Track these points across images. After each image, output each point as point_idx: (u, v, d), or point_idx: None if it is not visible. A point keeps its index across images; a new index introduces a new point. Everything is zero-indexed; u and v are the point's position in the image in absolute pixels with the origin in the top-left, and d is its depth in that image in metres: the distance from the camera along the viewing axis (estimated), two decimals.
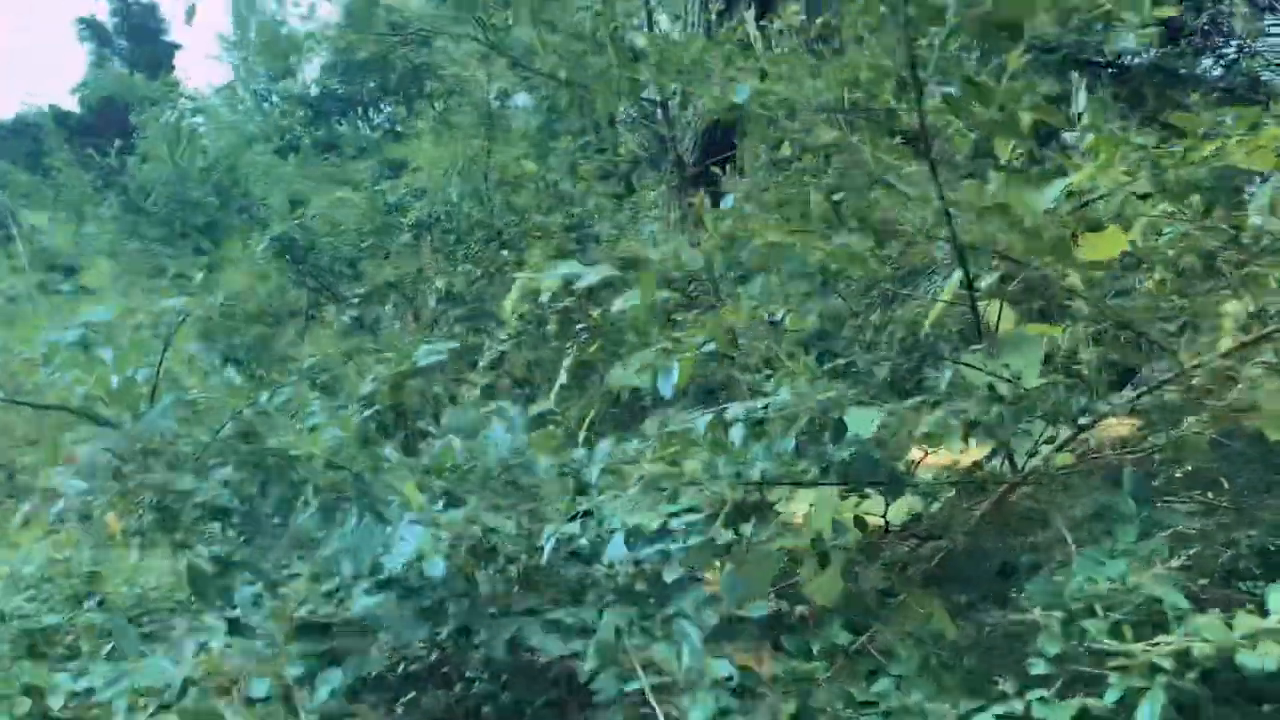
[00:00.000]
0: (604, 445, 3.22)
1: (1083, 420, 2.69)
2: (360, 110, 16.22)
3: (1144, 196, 2.56)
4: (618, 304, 3.35)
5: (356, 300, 8.04)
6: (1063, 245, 2.52)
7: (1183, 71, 10.95)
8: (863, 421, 2.67)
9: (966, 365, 2.69)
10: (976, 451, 2.84)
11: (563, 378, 4.52)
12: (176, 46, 27.90)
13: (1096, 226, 2.60)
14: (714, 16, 6.09)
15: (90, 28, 27.44)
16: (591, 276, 3.61)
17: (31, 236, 17.12)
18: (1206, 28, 11.34)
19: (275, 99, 16.47)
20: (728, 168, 4.09)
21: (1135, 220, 2.58)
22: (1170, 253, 2.61)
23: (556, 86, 7.80)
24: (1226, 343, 2.42)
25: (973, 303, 2.84)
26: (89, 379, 3.09)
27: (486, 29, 6.97)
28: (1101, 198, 2.57)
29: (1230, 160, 2.38)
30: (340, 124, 16.03)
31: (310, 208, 9.00)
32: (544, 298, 4.09)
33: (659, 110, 6.67)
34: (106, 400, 3.12)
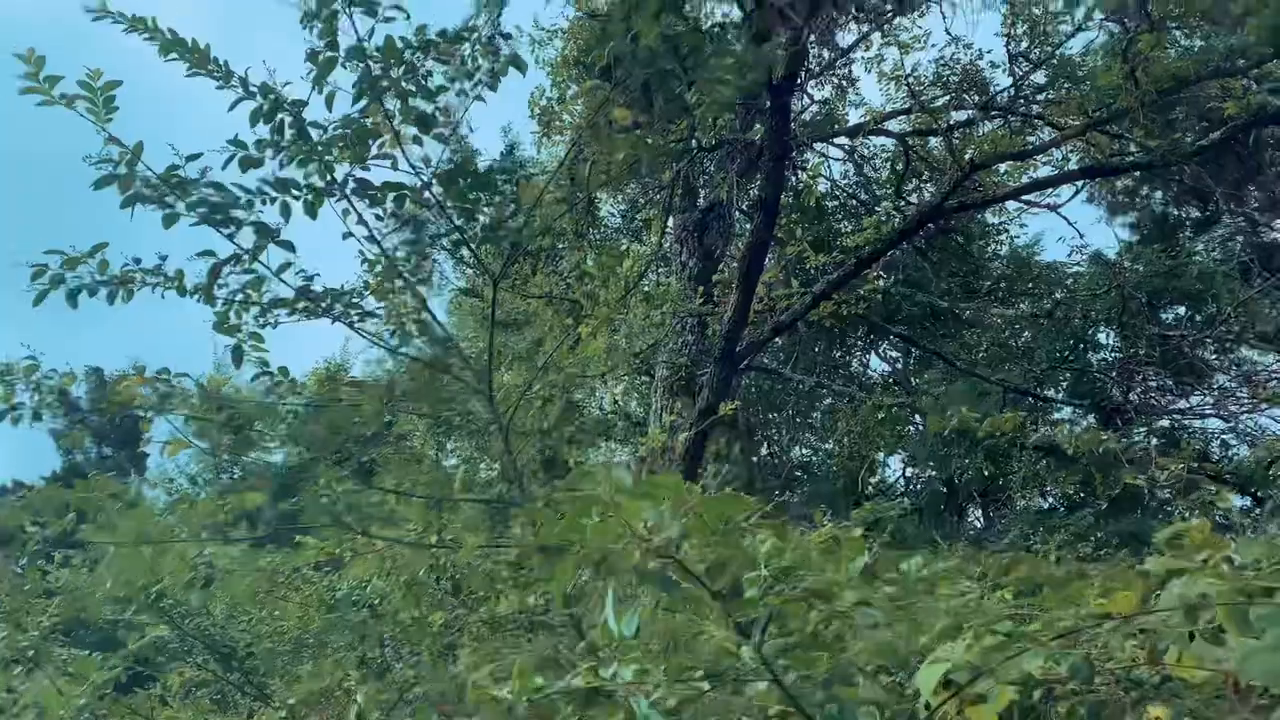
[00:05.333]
0: None
1: None
2: (321, 483, 16.34)
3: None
4: None
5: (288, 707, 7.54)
6: None
7: (1123, 445, 11.51)
8: None
9: None
10: None
11: None
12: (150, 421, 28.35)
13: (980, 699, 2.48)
14: None
15: (60, 397, 27.99)
16: None
17: None
18: (1135, 405, 12.09)
19: (238, 474, 16.63)
20: None
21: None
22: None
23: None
24: None
25: None
26: None
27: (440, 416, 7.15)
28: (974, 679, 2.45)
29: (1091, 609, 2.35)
30: (302, 496, 16.04)
31: (250, 610, 8.75)
32: None
33: None
34: None
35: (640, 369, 13.46)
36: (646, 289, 12.61)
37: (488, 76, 4.82)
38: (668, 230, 12.33)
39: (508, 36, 5.88)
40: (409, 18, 4.42)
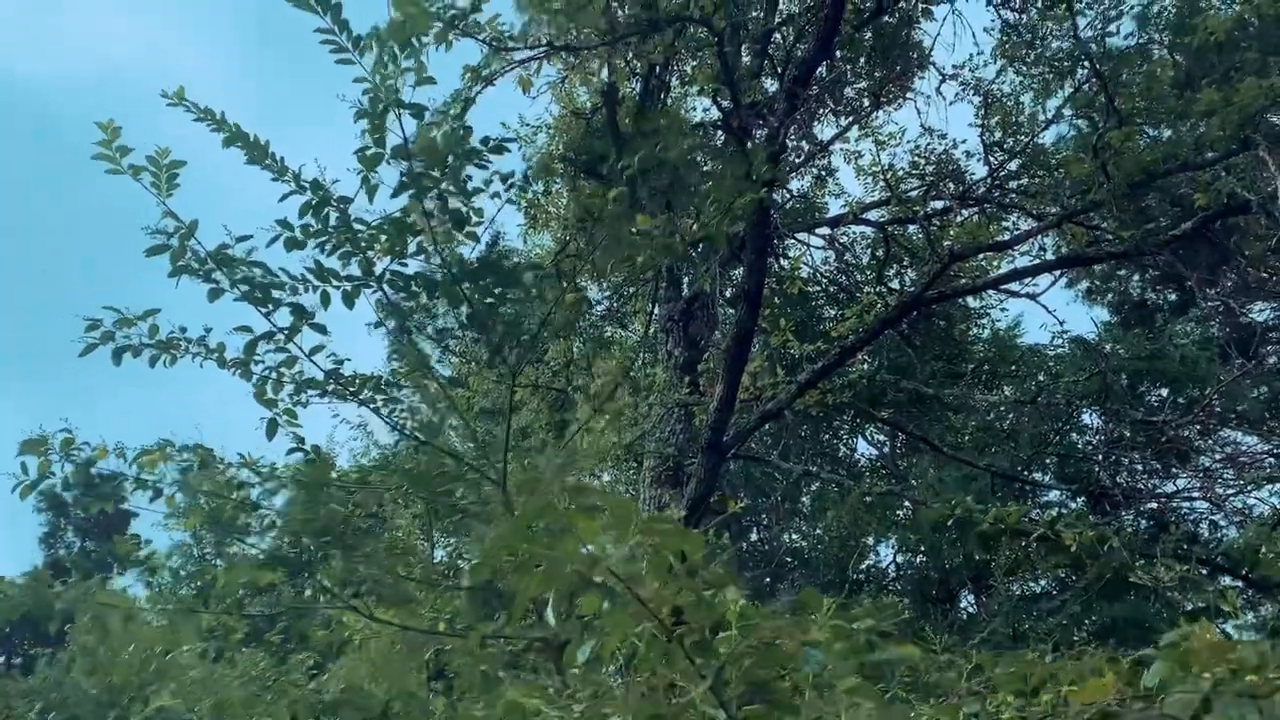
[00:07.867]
0: None
1: None
2: (309, 575, 16.09)
3: None
4: None
5: None
6: None
7: (1109, 525, 11.49)
8: None
9: None
10: None
11: None
12: (133, 514, 27.92)
13: None
14: None
15: (47, 497, 27.67)
16: None
17: None
18: (1123, 489, 12.09)
19: (222, 564, 16.34)
20: None
21: None
22: None
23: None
24: None
25: None
26: None
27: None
28: None
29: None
30: (290, 588, 15.79)
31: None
32: None
33: None
34: None
35: (628, 457, 13.42)
36: (633, 374, 12.66)
37: (521, 180, 5.02)
38: (653, 318, 12.43)
39: (512, 140, 6.03)
40: (451, 120, 4.61)
